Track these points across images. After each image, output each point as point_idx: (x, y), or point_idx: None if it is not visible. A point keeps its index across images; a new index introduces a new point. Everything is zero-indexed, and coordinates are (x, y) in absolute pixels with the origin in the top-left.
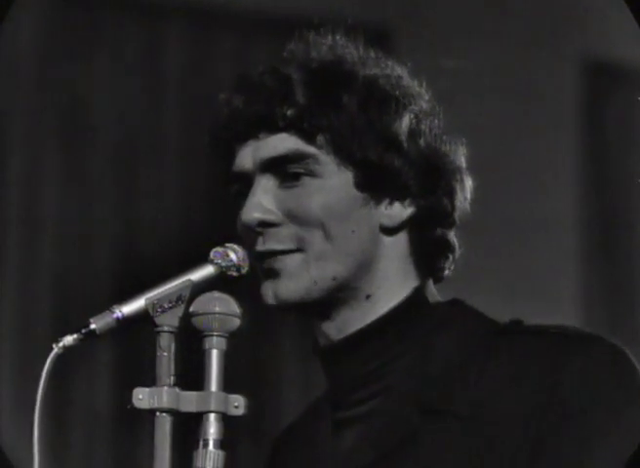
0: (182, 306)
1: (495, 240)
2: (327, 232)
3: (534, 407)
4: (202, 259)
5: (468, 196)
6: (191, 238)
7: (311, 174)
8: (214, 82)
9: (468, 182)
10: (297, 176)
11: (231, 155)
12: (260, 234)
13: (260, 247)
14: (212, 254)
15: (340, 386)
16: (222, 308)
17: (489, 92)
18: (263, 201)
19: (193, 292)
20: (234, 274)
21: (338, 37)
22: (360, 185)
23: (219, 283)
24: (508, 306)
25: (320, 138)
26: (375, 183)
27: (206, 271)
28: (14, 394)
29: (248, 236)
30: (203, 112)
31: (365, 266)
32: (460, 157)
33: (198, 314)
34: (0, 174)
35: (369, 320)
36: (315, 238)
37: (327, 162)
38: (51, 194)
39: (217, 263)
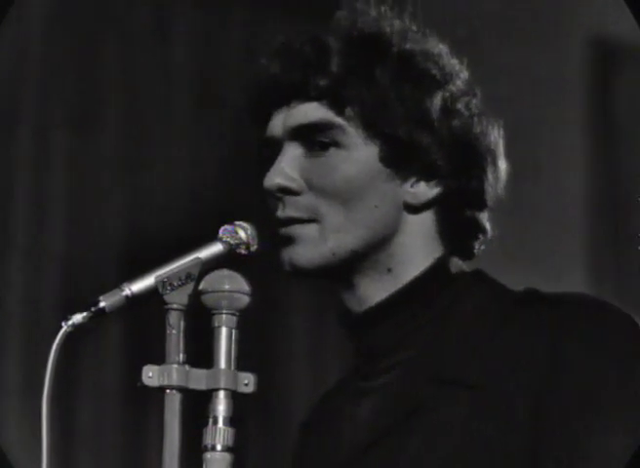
0: (192, 284)
1: (503, 218)
2: (346, 205)
3: (543, 376)
4: (211, 237)
5: (502, 179)
6: (200, 216)
7: (338, 144)
8: (225, 55)
9: (502, 165)
10: (323, 146)
11: (266, 121)
12: (281, 200)
13: (280, 213)
14: (221, 232)
15: (363, 357)
16: (232, 286)
17: (494, 76)
18: (287, 168)
19: (202, 270)
20: (243, 252)
21: (383, 9)
22: (385, 160)
23: (228, 261)
24: (522, 281)
25: (349, 110)
26: (401, 159)
27: (215, 249)
28: (23, 372)
29: (271, 201)
30: (213, 89)
31: (386, 240)
32: (496, 140)
33: (207, 292)
34: (8, 154)
35: (391, 291)
36: (333, 210)
37: (354, 134)
38: (59, 174)
39: (226, 241)
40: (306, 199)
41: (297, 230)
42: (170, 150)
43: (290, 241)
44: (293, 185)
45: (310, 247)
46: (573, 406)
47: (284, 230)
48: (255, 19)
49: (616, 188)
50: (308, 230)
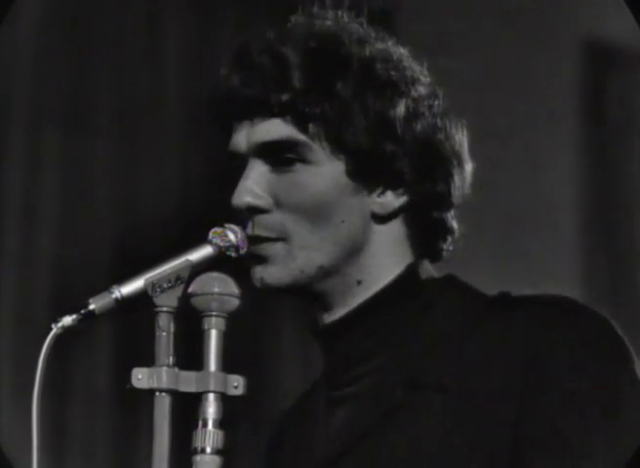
0: (181, 286)
1: (494, 221)
2: (314, 222)
3: (517, 378)
4: (201, 240)
5: (468, 179)
6: (190, 218)
7: (304, 160)
8: (219, 55)
9: (468, 166)
10: (289, 162)
11: (229, 130)
12: (249, 219)
13: (249, 231)
14: (211, 235)
15: (333, 366)
16: (221, 288)
17: (487, 78)
18: (254, 186)
19: (192, 273)
20: (233, 254)
21: (340, 12)
22: (352, 174)
23: (217, 263)
24: (507, 286)
25: (313, 126)
26: (367, 172)
27: (205, 251)
28: (13, 375)
29: (240, 218)
30: (204, 91)
31: (354, 254)
32: (460, 140)
33: (197, 294)
34: (0, 154)
35: (360, 301)
36: (300, 228)
37: (319, 149)
38: (50, 177)
39: (215, 244)
40: (275, 217)
41: (266, 249)
42: (162, 152)
43: (259, 260)
44: (262, 203)
45: (280, 266)
46: (558, 406)
47: (253, 248)
48: (250, 20)
49: (611, 190)
50: (276, 249)
